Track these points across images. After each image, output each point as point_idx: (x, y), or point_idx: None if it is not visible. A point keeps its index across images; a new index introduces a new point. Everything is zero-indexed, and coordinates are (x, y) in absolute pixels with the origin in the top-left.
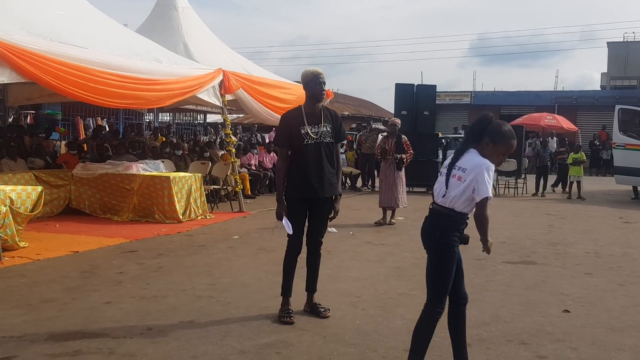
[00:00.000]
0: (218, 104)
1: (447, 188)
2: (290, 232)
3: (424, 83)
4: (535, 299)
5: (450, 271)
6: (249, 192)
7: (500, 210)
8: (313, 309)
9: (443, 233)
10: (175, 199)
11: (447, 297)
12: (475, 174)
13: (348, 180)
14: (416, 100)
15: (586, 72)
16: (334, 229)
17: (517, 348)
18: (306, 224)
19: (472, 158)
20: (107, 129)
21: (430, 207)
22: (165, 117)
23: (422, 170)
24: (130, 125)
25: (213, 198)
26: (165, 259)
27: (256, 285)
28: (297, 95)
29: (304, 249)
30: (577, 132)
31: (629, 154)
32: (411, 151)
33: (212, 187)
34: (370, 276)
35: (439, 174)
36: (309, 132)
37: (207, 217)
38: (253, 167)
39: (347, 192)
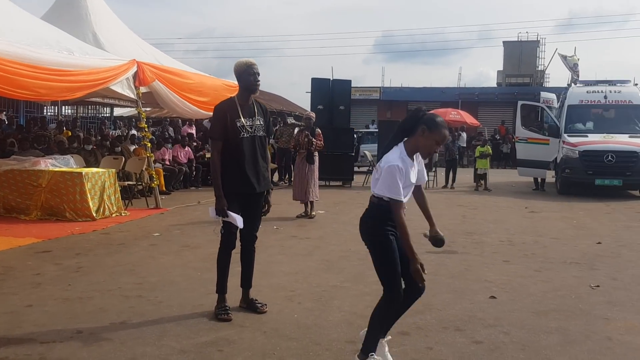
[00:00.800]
0: (132, 96)
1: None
2: (241, 225)
3: (334, 78)
4: (462, 287)
5: (389, 259)
6: (164, 188)
7: (414, 202)
8: (250, 305)
9: (374, 223)
10: (88, 195)
11: (401, 285)
12: (384, 172)
13: None
14: (332, 95)
15: (483, 70)
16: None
17: (453, 334)
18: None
19: (390, 154)
20: (7, 123)
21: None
22: (68, 110)
23: (337, 165)
24: (33, 118)
25: (127, 194)
26: (84, 259)
27: (186, 283)
28: (213, 87)
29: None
30: (479, 127)
31: (530, 147)
32: (321, 142)
33: (127, 183)
34: (301, 270)
35: None
36: (245, 125)
37: (122, 214)
38: (167, 162)
39: None
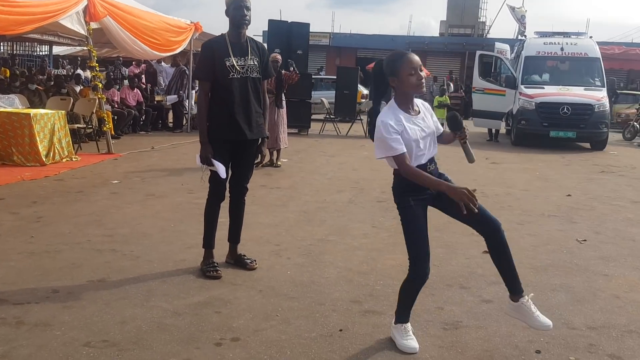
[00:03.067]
0: (82, 32)
1: None
2: (224, 175)
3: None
4: (452, 241)
5: (413, 232)
6: (113, 132)
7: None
8: (238, 261)
9: (395, 193)
10: (38, 138)
11: (426, 261)
12: (376, 134)
13: None
14: (289, 39)
15: (425, 20)
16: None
17: (460, 293)
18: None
19: (379, 116)
20: None
21: None
22: (1, 48)
23: (294, 112)
24: None
25: (75, 138)
26: (42, 208)
27: (160, 236)
28: (165, 28)
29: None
30: (428, 76)
31: (487, 98)
32: (295, 78)
33: (77, 126)
34: (280, 222)
35: None
36: (235, 64)
37: (74, 160)
38: (116, 105)
39: None
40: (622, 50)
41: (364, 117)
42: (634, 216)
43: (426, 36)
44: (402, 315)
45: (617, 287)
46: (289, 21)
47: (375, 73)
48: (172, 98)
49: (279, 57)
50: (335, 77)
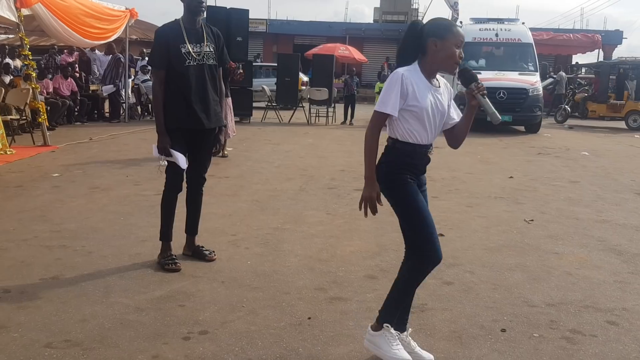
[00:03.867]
0: (13, 19)
1: None
2: (184, 165)
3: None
4: None
5: (418, 210)
6: (47, 123)
7: (322, 139)
8: (196, 252)
9: (388, 169)
10: None
11: (438, 241)
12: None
13: None
14: (228, 25)
15: (358, 7)
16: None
17: None
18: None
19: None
20: None
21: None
22: None
23: (236, 99)
24: None
25: (8, 131)
26: None
27: (111, 230)
28: (105, 14)
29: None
30: (365, 63)
31: None
32: (240, 71)
33: (10, 117)
34: (234, 211)
35: None
36: (191, 51)
37: (8, 153)
38: (48, 95)
39: None
40: (550, 36)
41: (306, 105)
42: (574, 195)
43: (363, 23)
44: (391, 314)
45: (568, 264)
46: (228, 7)
47: (409, 33)
48: (108, 88)
49: None
50: (275, 64)
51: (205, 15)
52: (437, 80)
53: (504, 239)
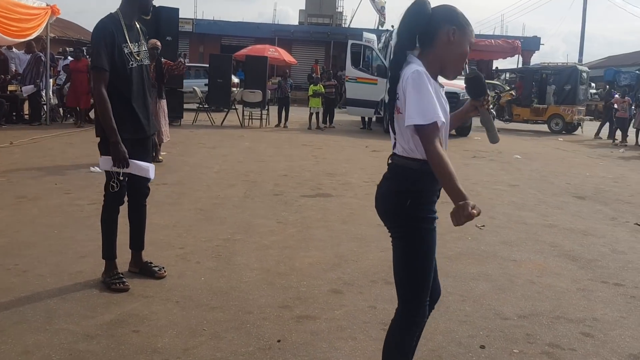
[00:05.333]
0: None
1: (393, 131)
2: (151, 176)
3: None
4: (361, 233)
5: (428, 262)
6: None
7: (259, 143)
8: (144, 269)
9: (415, 200)
10: None
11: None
12: (407, 89)
13: None
14: (157, 24)
15: (283, 8)
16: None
17: (387, 288)
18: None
19: (407, 69)
20: None
21: (389, 161)
22: None
23: (166, 101)
24: None
25: None
26: None
27: (45, 245)
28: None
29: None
30: (294, 64)
31: (360, 86)
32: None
33: None
34: (178, 221)
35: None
36: (132, 51)
37: None
38: None
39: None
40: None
41: (239, 107)
42: (517, 199)
43: (292, 25)
44: None
45: (528, 272)
46: (157, 5)
47: (415, 12)
48: (28, 88)
49: (158, 43)
50: (205, 65)
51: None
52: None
53: (461, 247)
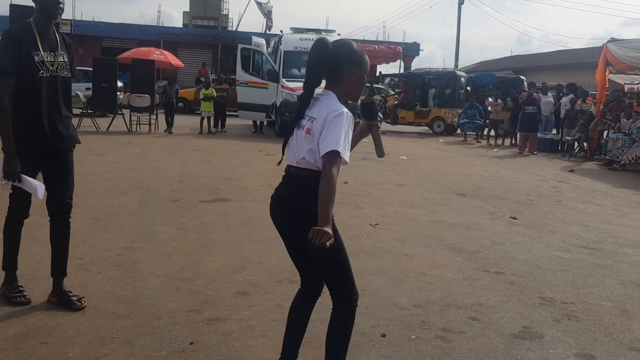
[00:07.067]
0: None
1: (297, 146)
2: (41, 195)
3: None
4: (262, 235)
5: (345, 252)
6: None
7: (149, 149)
8: (62, 299)
9: (316, 204)
10: None
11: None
12: (332, 122)
13: None
14: None
15: (166, 9)
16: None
17: (292, 287)
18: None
19: (330, 104)
20: None
21: (286, 172)
22: None
23: None
24: None
25: None
26: None
27: None
28: None
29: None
30: (182, 68)
31: (251, 90)
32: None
33: None
34: (73, 232)
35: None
36: (45, 60)
37: None
38: None
39: None
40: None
41: (126, 112)
42: (406, 198)
43: (177, 27)
44: None
45: (420, 265)
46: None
47: (319, 53)
48: None
49: None
50: (86, 68)
51: (9, 15)
52: None
53: (358, 244)
